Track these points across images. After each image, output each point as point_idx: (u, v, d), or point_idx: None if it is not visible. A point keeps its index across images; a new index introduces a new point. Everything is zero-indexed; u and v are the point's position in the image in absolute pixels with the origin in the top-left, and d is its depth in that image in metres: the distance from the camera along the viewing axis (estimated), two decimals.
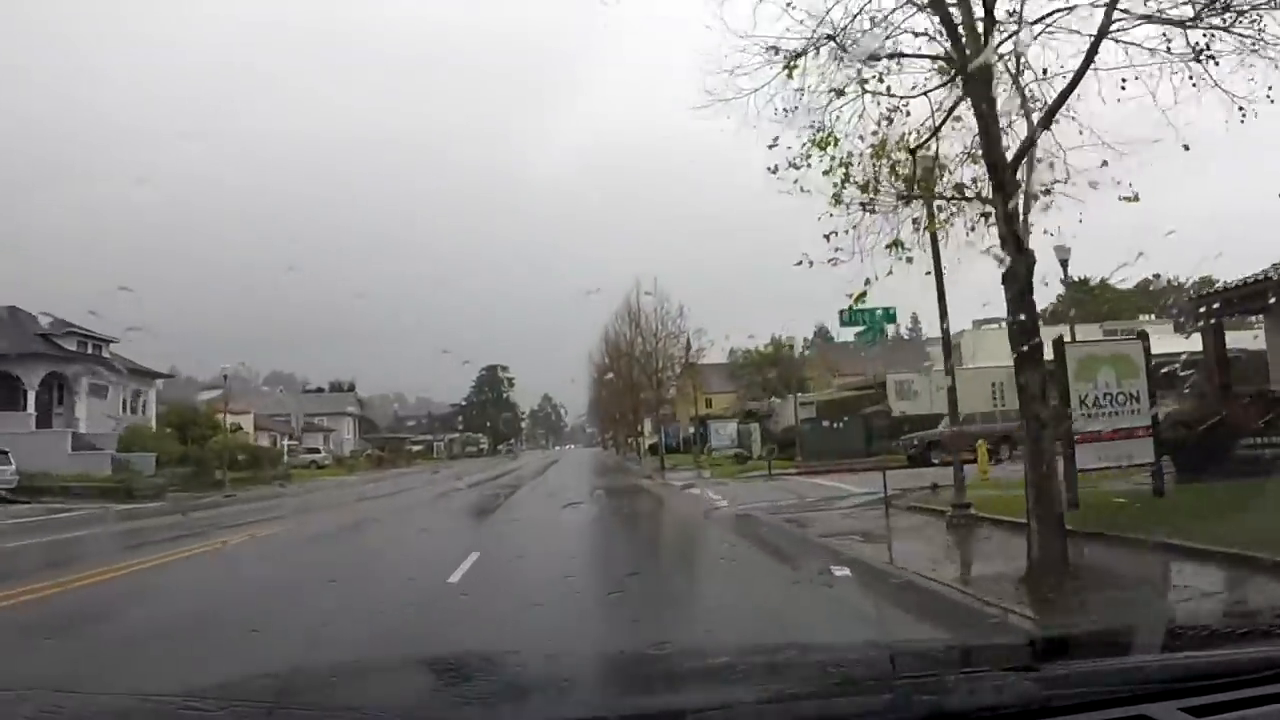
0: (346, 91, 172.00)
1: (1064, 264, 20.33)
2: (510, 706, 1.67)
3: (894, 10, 7.67)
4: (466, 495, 27.37)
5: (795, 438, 33.89)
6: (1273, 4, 7.17)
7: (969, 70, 7.17)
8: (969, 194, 8.44)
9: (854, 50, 7.69)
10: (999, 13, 7.30)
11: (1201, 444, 12.51)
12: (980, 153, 7.66)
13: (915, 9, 7.63)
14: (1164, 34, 7.43)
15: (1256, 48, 7.24)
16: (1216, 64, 7.38)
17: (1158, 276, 57.07)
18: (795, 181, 8.11)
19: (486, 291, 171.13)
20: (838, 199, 8.09)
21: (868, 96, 8.00)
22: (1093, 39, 7.24)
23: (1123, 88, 7.50)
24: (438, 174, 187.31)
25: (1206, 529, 8.13)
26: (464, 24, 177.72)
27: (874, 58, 7.77)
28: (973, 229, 8.51)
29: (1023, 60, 7.52)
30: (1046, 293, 24.83)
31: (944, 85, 7.94)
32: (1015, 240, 7.10)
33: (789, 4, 7.68)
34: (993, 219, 7.59)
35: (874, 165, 8.31)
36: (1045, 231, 7.99)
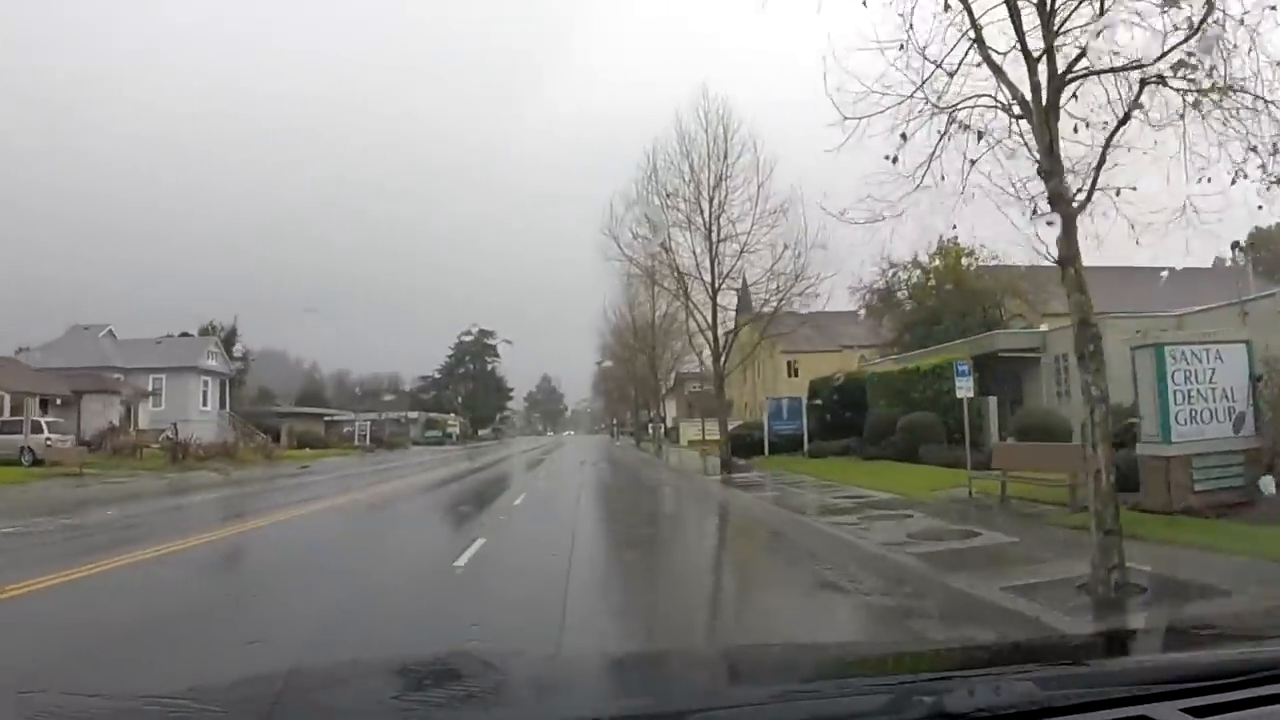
0: (332, 58, 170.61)
1: None
2: (510, 707, 1.67)
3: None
4: None
5: None
6: None
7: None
8: None
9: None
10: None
11: None
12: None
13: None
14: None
15: None
16: None
17: None
18: None
19: (487, 268, 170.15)
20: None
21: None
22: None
23: None
24: (435, 141, 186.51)
25: None
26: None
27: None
28: None
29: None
30: None
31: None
32: None
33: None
34: None
35: None
36: None
